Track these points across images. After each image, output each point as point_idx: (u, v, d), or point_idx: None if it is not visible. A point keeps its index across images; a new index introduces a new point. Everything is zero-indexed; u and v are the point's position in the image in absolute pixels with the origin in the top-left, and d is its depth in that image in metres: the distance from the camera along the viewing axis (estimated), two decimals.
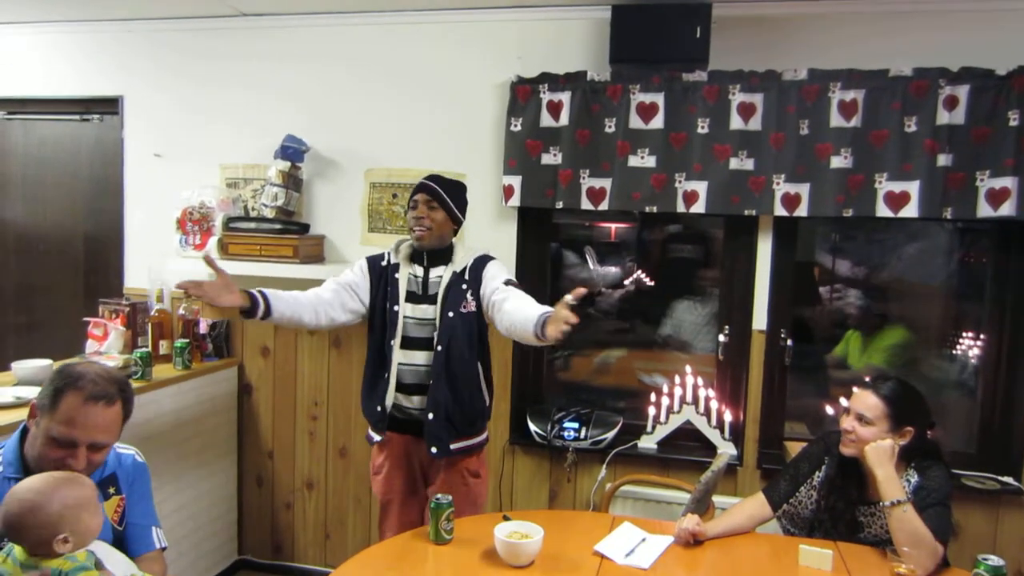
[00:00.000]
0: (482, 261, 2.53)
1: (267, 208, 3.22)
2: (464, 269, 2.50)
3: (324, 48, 3.27)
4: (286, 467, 3.48)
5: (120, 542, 1.79)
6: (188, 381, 3.14)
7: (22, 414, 2.16)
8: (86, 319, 3.23)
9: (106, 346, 3.15)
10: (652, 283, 3.67)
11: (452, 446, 2.46)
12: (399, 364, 2.47)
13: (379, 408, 2.48)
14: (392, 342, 2.46)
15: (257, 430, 3.50)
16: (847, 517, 2.20)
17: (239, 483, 3.52)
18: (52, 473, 1.58)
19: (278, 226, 3.18)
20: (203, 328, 3.33)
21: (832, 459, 2.25)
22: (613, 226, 3.74)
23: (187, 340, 3.17)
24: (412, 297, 2.50)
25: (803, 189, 2.79)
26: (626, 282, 3.71)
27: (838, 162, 2.74)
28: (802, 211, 2.80)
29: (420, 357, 2.46)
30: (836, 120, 2.72)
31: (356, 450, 3.38)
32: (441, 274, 2.50)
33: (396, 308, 2.47)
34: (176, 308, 3.29)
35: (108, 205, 3.60)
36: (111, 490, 1.81)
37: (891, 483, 2.03)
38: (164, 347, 3.21)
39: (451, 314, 2.43)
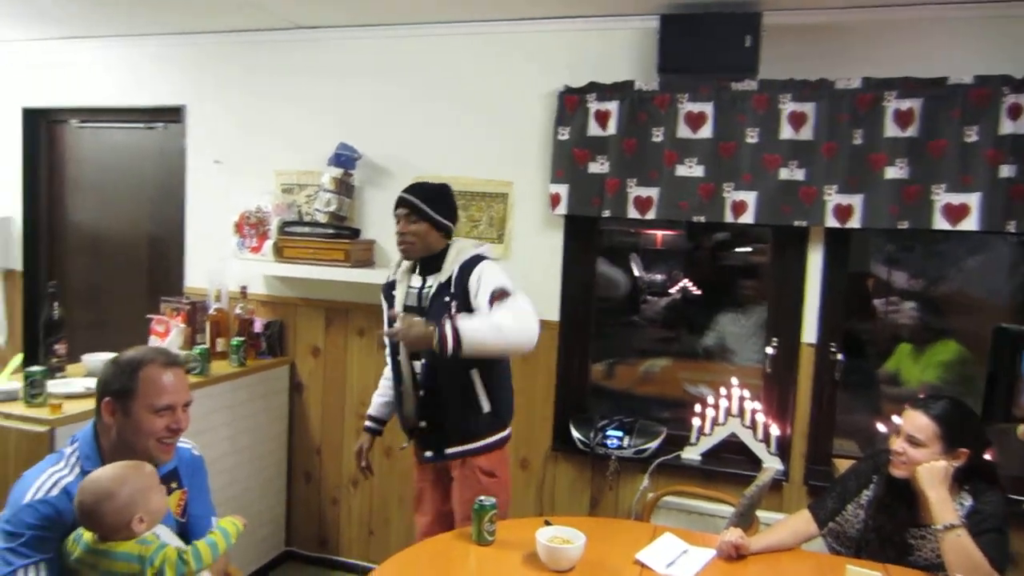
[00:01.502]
0: (466, 269, 2.40)
1: (320, 213, 3.31)
2: (449, 279, 2.42)
3: (377, 59, 3.34)
4: (333, 464, 3.58)
5: (183, 534, 1.87)
6: (243, 378, 3.26)
7: (91, 403, 2.29)
8: (149, 316, 3.37)
9: (167, 342, 3.28)
10: (699, 292, 3.64)
11: (448, 451, 2.48)
12: (417, 374, 2.48)
13: (402, 418, 2.57)
14: (399, 357, 2.50)
15: (306, 427, 3.60)
16: (896, 539, 2.13)
17: (288, 478, 3.63)
18: (115, 463, 1.67)
19: (330, 231, 3.26)
20: (258, 327, 3.45)
21: (881, 478, 2.18)
22: (660, 233, 3.72)
23: (243, 338, 3.29)
24: (410, 311, 2.48)
25: (856, 200, 2.73)
26: (672, 290, 3.69)
27: (893, 172, 2.66)
28: (855, 222, 2.74)
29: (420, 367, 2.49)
30: (891, 130, 2.65)
31: (400, 451, 3.44)
32: (432, 283, 2.47)
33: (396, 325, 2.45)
34: (233, 307, 3.41)
35: (171, 209, 3.76)
36: (174, 484, 1.88)
37: (944, 506, 1.96)
38: (221, 345, 3.33)
39: (432, 327, 2.29)
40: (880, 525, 2.16)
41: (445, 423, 2.47)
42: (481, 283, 2.36)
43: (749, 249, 3.51)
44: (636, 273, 3.75)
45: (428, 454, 2.49)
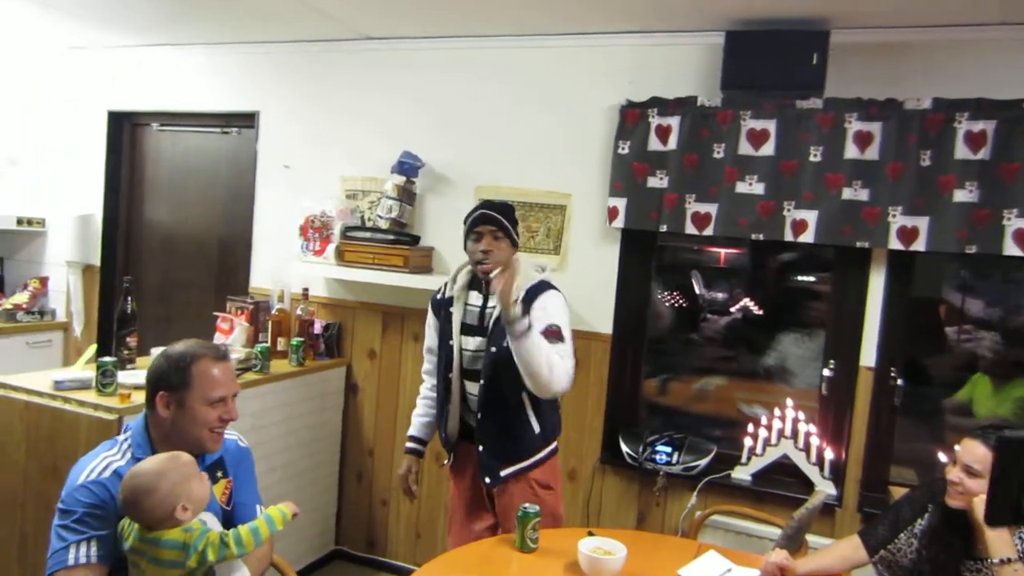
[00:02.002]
0: (533, 294, 2.37)
1: (382, 219, 3.39)
2: (516, 301, 2.31)
3: (441, 70, 3.42)
4: (384, 466, 3.64)
5: (228, 522, 1.92)
6: (301, 377, 3.35)
7: None
8: (215, 313, 3.50)
9: (231, 339, 3.41)
10: (760, 312, 3.59)
11: (503, 473, 2.44)
12: (468, 394, 2.47)
13: (444, 435, 2.54)
14: (450, 375, 2.47)
15: (360, 428, 3.68)
16: (950, 571, 2.07)
17: (340, 477, 3.71)
18: (153, 458, 1.73)
19: (391, 237, 3.34)
20: (317, 328, 3.55)
21: (937, 508, 2.13)
22: (722, 251, 3.69)
23: (302, 339, 3.38)
24: (468, 329, 2.46)
25: (921, 222, 2.67)
26: (733, 309, 3.65)
27: (962, 196, 2.60)
28: (919, 245, 2.68)
29: (477, 388, 2.44)
30: (961, 152, 2.59)
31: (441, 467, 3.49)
32: (495, 304, 2.39)
33: (451, 342, 2.46)
34: (294, 308, 3.52)
35: (240, 211, 3.91)
36: (219, 473, 1.94)
37: (1001, 539, 1.90)
38: (281, 344, 3.43)
39: (494, 348, 2.37)
40: (934, 556, 2.10)
41: (501, 445, 2.44)
42: (544, 312, 2.35)
43: (812, 278, 3.45)
44: (697, 291, 3.72)
45: (488, 481, 2.45)
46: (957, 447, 2.84)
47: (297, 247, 3.51)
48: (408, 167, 3.35)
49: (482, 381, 2.40)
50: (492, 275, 2.25)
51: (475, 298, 2.49)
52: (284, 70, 3.73)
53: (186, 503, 1.66)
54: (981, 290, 3.19)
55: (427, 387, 2.69)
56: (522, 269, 2.43)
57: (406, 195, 3.39)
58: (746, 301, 3.64)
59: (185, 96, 3.97)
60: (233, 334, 3.43)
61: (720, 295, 3.71)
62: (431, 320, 2.61)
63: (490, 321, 2.41)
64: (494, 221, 2.38)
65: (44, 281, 4.27)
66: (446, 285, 2.57)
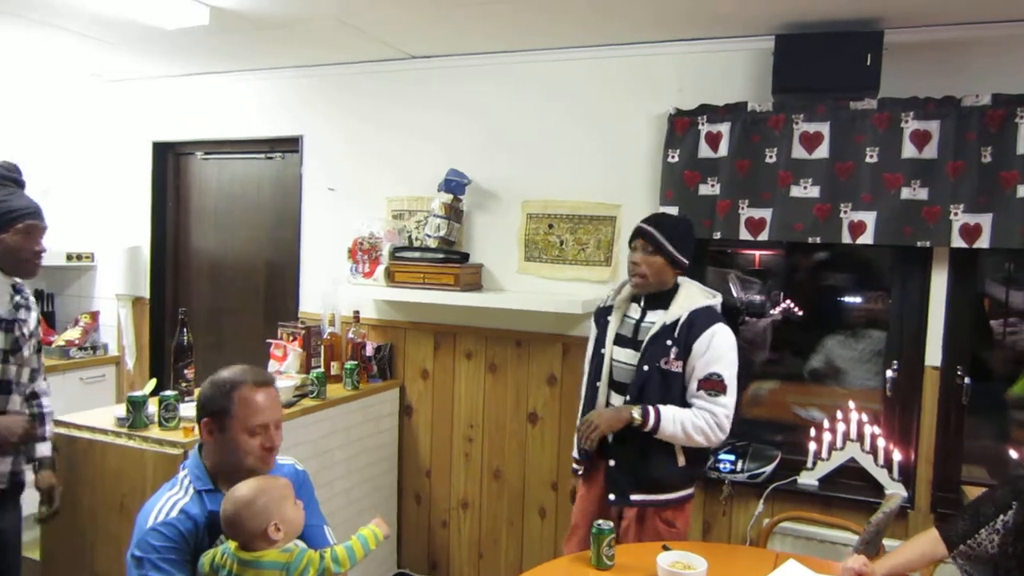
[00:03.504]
0: (699, 323, 2.35)
1: (430, 238, 3.40)
2: (676, 322, 2.37)
3: (485, 86, 3.43)
4: (442, 486, 3.63)
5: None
6: (356, 401, 3.34)
7: None
8: (268, 340, 3.51)
9: (285, 366, 3.42)
10: (802, 313, 3.56)
11: (633, 497, 2.41)
12: (609, 405, 2.47)
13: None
14: (598, 383, 2.48)
15: (416, 449, 3.68)
16: None
17: (399, 499, 3.70)
18: (255, 477, 1.76)
19: (440, 255, 3.34)
20: (369, 351, 3.55)
21: (1022, 505, 2.09)
22: (758, 253, 3.67)
23: (356, 362, 3.39)
24: (622, 340, 2.48)
25: (984, 220, 2.64)
26: (773, 311, 3.62)
27: None
28: (983, 243, 2.65)
29: (620, 402, 2.44)
30: None
31: (510, 473, 3.48)
32: (656, 319, 2.43)
33: (602, 351, 2.49)
34: (346, 331, 3.52)
35: (287, 235, 3.92)
36: None
37: None
38: (334, 368, 3.44)
39: (646, 367, 2.37)
40: (1021, 552, 2.06)
41: (638, 467, 2.40)
42: (708, 354, 2.33)
43: (851, 278, 3.43)
44: (734, 293, 3.70)
45: (612, 497, 2.41)
46: None
47: (346, 270, 3.52)
48: (455, 184, 3.36)
49: (627, 397, 2.39)
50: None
51: (634, 311, 2.51)
52: (326, 93, 3.75)
53: (279, 523, 1.69)
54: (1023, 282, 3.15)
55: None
56: (690, 291, 2.46)
57: (453, 213, 3.39)
58: (787, 303, 3.61)
59: (228, 123, 4.00)
60: (287, 360, 3.44)
61: (758, 297, 3.68)
62: (593, 332, 2.64)
63: (646, 335, 2.41)
64: (645, 235, 2.40)
65: (95, 316, 4.30)
66: (611, 294, 2.62)
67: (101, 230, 4.36)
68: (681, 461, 2.41)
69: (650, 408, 2.31)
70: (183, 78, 4.07)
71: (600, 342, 2.53)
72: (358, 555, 1.77)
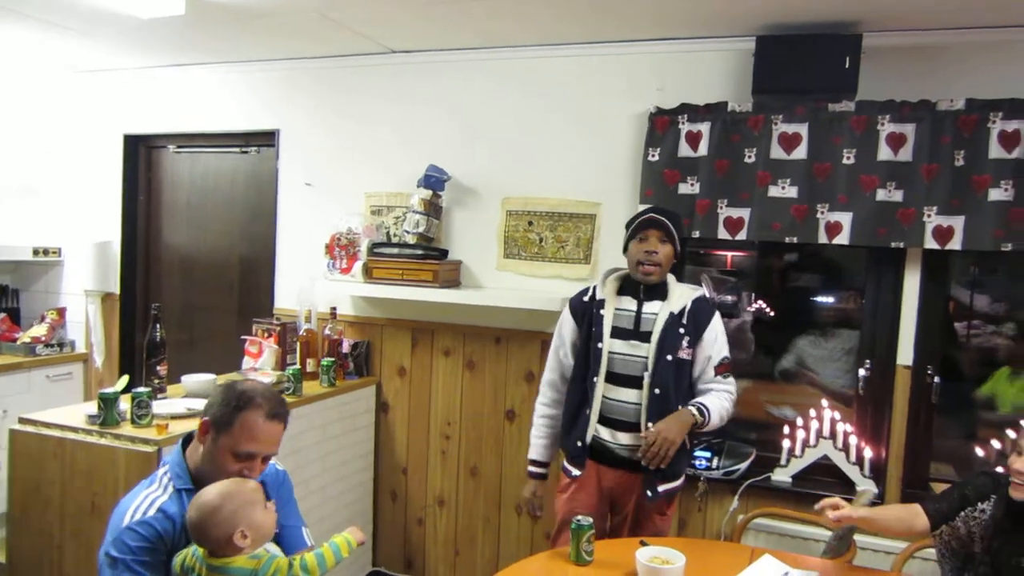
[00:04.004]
0: (704, 311, 2.46)
1: (409, 234, 3.37)
2: (683, 311, 2.44)
3: (465, 81, 3.41)
4: (419, 484, 3.61)
5: (277, 544, 1.89)
6: (332, 398, 3.31)
7: (192, 423, 2.34)
8: (243, 337, 3.46)
9: (260, 363, 3.37)
10: (773, 314, 3.61)
11: (660, 488, 2.44)
12: (604, 398, 2.45)
13: (579, 443, 2.47)
14: (595, 378, 2.45)
15: (392, 447, 3.65)
16: (1012, 564, 2.08)
17: (375, 497, 3.67)
18: (221, 481, 1.72)
19: (419, 252, 3.31)
20: (345, 347, 3.52)
21: (1000, 500, 2.14)
22: (729, 254, 3.71)
23: (333, 359, 3.35)
24: (620, 333, 2.46)
25: (957, 222, 2.70)
26: (746, 312, 3.66)
27: (997, 194, 2.63)
28: (955, 244, 2.70)
29: (629, 395, 2.43)
30: (996, 151, 2.62)
31: (487, 470, 3.48)
32: (656, 311, 2.44)
33: (600, 345, 2.45)
34: (322, 328, 3.49)
35: (262, 230, 3.87)
36: None
37: None
38: (311, 365, 3.39)
39: (669, 357, 2.39)
40: (997, 548, 2.11)
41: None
42: (718, 343, 2.47)
43: (821, 279, 3.50)
44: (707, 294, 3.73)
45: (649, 494, 2.41)
46: (995, 441, 2.89)
47: (323, 266, 3.49)
48: (434, 180, 3.34)
49: (656, 391, 2.39)
50: (656, 329, 2.40)
51: (628, 303, 2.50)
52: (304, 86, 3.70)
53: (246, 529, 1.65)
54: (988, 286, 3.23)
55: (547, 401, 2.66)
56: (679, 283, 2.55)
57: (433, 209, 3.37)
58: (760, 303, 3.66)
59: (202, 116, 3.93)
60: (262, 357, 3.39)
61: (729, 297, 3.72)
62: (569, 326, 2.59)
63: (650, 327, 2.43)
64: (662, 225, 2.43)
65: (62, 312, 4.19)
66: (593, 289, 2.58)
67: (69, 224, 4.25)
68: (688, 445, 2.51)
69: (702, 406, 2.39)
70: (156, 70, 3.99)
71: (593, 336, 2.48)
72: (329, 563, 1.73)
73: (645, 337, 2.43)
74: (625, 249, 2.53)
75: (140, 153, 4.17)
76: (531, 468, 2.66)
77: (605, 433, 2.46)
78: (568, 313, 2.61)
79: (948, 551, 2.22)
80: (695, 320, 2.44)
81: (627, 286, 2.53)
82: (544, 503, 2.62)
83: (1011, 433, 2.77)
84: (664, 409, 2.38)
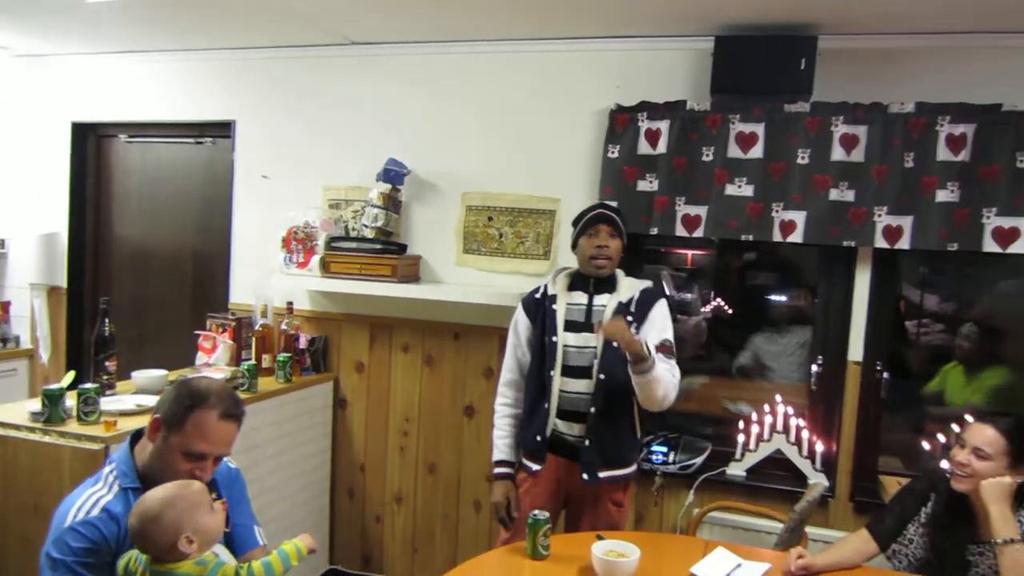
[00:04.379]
0: (650, 298, 2.52)
1: (367, 229, 3.33)
2: (631, 300, 2.50)
3: (426, 75, 3.38)
4: (377, 481, 3.59)
5: (227, 544, 1.86)
6: (288, 394, 3.26)
7: (141, 421, 2.29)
8: (196, 332, 3.39)
9: (214, 358, 3.31)
10: (731, 311, 3.67)
11: (601, 475, 2.46)
12: (560, 392, 2.47)
13: (538, 437, 2.49)
14: (552, 372, 2.47)
15: (350, 444, 3.62)
16: (955, 556, 2.15)
17: (332, 494, 3.63)
18: (163, 485, 1.66)
19: (378, 246, 3.28)
20: (302, 343, 3.47)
21: (940, 496, 2.20)
22: (689, 253, 3.76)
23: (289, 354, 3.30)
24: (573, 326, 2.49)
25: (906, 222, 2.77)
26: (704, 309, 3.72)
27: (944, 196, 2.71)
28: (904, 243, 2.78)
29: (581, 385, 2.46)
30: (943, 154, 2.70)
31: (445, 466, 3.47)
32: (605, 302, 2.50)
33: (555, 339, 2.48)
34: (278, 323, 3.43)
35: (216, 223, 3.78)
36: (213, 495, 1.85)
37: (1005, 521, 1.98)
38: (266, 360, 3.33)
39: (615, 344, 2.39)
40: (940, 543, 2.17)
41: (607, 443, 2.46)
42: (661, 323, 2.50)
43: (778, 277, 3.57)
44: (667, 292, 3.78)
45: (586, 477, 2.45)
46: (941, 435, 2.98)
47: (279, 260, 3.42)
48: (394, 175, 3.31)
49: (600, 376, 2.43)
50: (604, 320, 2.37)
51: (579, 297, 2.53)
52: (261, 77, 3.62)
53: (191, 535, 1.60)
54: (937, 285, 3.33)
55: (511, 401, 2.64)
56: (626, 276, 2.57)
57: (392, 203, 3.34)
58: (718, 301, 3.72)
59: (155, 106, 3.82)
60: (216, 352, 3.33)
61: (689, 295, 3.78)
62: (524, 324, 2.60)
63: (600, 318, 2.45)
64: (611, 220, 2.50)
65: (5, 306, 4.05)
66: (544, 286, 2.61)
67: (13, 215, 4.10)
68: (638, 433, 2.55)
69: (649, 349, 2.31)
70: (106, 56, 3.86)
71: (547, 331, 2.51)
72: (277, 571, 1.70)
73: (595, 328, 2.45)
74: (574, 245, 2.57)
75: (89, 142, 4.03)
76: (500, 470, 2.60)
77: (562, 426, 2.49)
78: (522, 312, 2.63)
79: (907, 563, 2.27)
80: (642, 307, 2.49)
81: (577, 281, 2.57)
82: (518, 505, 2.54)
83: (956, 427, 2.88)
84: (609, 395, 2.43)
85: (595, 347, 2.46)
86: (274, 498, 3.17)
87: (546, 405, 2.48)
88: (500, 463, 2.60)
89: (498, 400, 2.66)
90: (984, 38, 2.70)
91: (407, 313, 3.44)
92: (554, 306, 2.53)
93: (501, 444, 2.62)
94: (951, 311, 3.33)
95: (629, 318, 2.43)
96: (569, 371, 2.47)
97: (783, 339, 3.44)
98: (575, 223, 2.58)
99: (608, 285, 2.53)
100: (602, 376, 2.43)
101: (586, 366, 2.46)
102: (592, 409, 2.44)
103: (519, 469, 2.60)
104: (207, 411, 1.72)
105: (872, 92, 2.77)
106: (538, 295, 2.60)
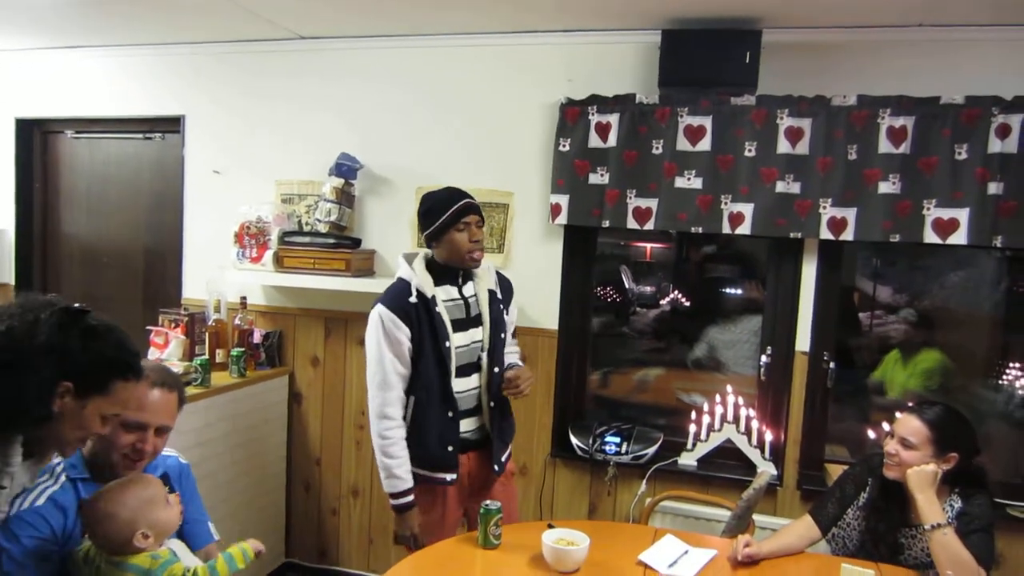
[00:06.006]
0: (509, 286, 2.62)
1: (321, 223, 3.32)
2: (496, 287, 2.54)
3: (378, 70, 3.36)
4: (333, 474, 3.58)
5: (179, 539, 1.86)
6: (243, 389, 3.25)
7: None
8: (149, 328, 3.35)
9: (167, 353, 3.27)
10: (688, 304, 3.71)
11: (503, 459, 2.54)
12: (459, 392, 2.42)
13: (450, 448, 2.39)
14: (453, 377, 2.39)
15: (306, 438, 3.61)
16: (889, 539, 2.22)
17: (287, 488, 3.62)
18: (118, 480, 1.67)
19: (331, 240, 3.27)
20: (257, 338, 3.44)
21: (876, 481, 2.27)
22: (649, 246, 3.79)
23: (243, 349, 3.28)
24: (458, 325, 2.40)
25: (850, 213, 2.81)
26: (662, 302, 3.76)
27: (886, 188, 2.75)
28: (848, 235, 2.82)
29: (472, 381, 2.45)
30: (885, 146, 2.73)
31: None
32: (473, 292, 2.46)
33: (448, 344, 2.35)
34: (232, 318, 3.41)
35: (168, 219, 3.74)
36: (167, 488, 1.85)
37: (931, 507, 2.05)
38: (220, 355, 3.32)
39: (503, 335, 2.47)
40: (874, 526, 2.24)
41: (504, 429, 2.54)
42: (516, 311, 2.69)
43: (734, 269, 3.61)
44: (627, 285, 3.81)
45: (496, 468, 2.50)
46: (886, 424, 3.04)
47: (232, 255, 3.39)
48: (346, 169, 3.29)
49: (495, 369, 2.46)
50: (512, 384, 2.43)
51: (451, 292, 2.43)
52: (211, 72, 3.58)
53: (147, 530, 1.61)
54: (890, 277, 3.39)
55: (396, 424, 2.36)
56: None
57: (345, 197, 3.32)
58: (675, 293, 3.76)
59: (102, 101, 3.76)
60: (169, 348, 3.29)
61: (648, 288, 3.81)
62: (404, 333, 2.32)
63: (479, 309, 2.47)
64: (479, 210, 2.43)
65: None
66: (410, 287, 2.34)
67: None
68: (511, 416, 2.62)
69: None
70: (51, 51, 3.79)
71: (440, 335, 2.34)
72: (221, 574, 1.70)
73: (477, 321, 2.46)
74: (435, 236, 2.37)
75: (35, 138, 3.96)
76: (405, 500, 2.35)
77: (462, 425, 2.45)
78: (397, 320, 2.30)
79: (843, 548, 2.32)
80: (506, 295, 2.57)
81: (440, 275, 2.41)
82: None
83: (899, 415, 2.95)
84: (500, 384, 2.46)
85: (481, 340, 2.46)
86: (229, 492, 3.16)
87: (451, 413, 2.39)
88: (406, 492, 2.35)
89: (383, 425, 2.34)
90: (924, 31, 2.74)
91: (362, 307, 3.38)
92: (436, 308, 2.35)
93: (402, 472, 2.34)
94: (903, 303, 3.39)
95: (500, 306, 2.51)
96: (461, 370, 2.42)
97: (736, 327, 3.48)
98: (429, 212, 2.36)
99: (469, 274, 2.47)
100: (496, 369, 2.46)
101: (474, 362, 2.46)
102: (491, 403, 2.47)
103: (420, 484, 2.40)
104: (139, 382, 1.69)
105: (816, 85, 2.80)
106: (411, 299, 2.33)
